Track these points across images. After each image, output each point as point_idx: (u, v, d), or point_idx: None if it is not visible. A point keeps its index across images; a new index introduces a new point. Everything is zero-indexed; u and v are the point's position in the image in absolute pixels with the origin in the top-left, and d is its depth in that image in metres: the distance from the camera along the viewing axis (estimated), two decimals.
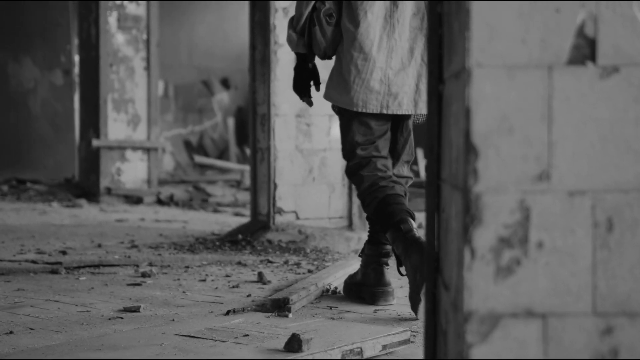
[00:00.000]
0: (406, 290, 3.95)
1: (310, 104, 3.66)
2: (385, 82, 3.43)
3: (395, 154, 3.61)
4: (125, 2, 8.03)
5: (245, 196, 8.20)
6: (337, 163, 5.43)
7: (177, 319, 3.27)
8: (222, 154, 12.72)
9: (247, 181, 9.02)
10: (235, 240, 5.23)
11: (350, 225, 5.46)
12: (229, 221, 6.70)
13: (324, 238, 5.15)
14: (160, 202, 8.10)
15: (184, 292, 3.84)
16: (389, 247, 3.57)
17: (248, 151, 11.22)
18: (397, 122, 3.57)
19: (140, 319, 3.25)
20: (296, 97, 5.30)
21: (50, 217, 6.88)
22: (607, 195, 1.54)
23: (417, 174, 9.26)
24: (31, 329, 3.07)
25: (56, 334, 3.00)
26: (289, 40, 3.56)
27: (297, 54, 3.60)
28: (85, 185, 8.32)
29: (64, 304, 3.54)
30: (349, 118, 3.53)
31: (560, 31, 1.52)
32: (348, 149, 3.57)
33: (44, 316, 3.29)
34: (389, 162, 3.54)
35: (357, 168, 3.51)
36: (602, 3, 1.51)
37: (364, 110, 3.45)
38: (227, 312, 3.34)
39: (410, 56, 3.45)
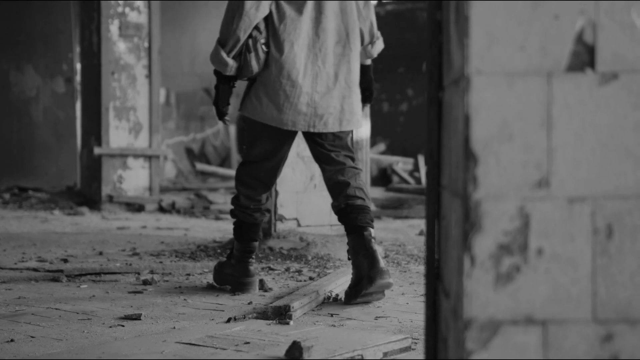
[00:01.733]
0: (407, 297, 3.95)
1: (226, 123, 4.04)
2: (312, 105, 3.80)
3: (334, 148, 3.92)
4: (127, 10, 8.05)
5: None
6: None
7: (178, 326, 3.27)
8: (224, 161, 12.72)
9: None
10: None
11: None
12: (230, 228, 6.69)
13: (325, 245, 5.14)
14: (162, 209, 8.11)
15: (185, 299, 3.84)
16: (371, 230, 3.87)
17: None
18: (329, 139, 3.91)
19: (141, 327, 3.25)
20: None
21: (51, 225, 6.88)
22: (607, 202, 1.54)
23: (418, 180, 9.25)
24: (32, 337, 3.07)
25: (57, 342, 3.00)
26: (220, 63, 3.84)
27: (219, 74, 3.90)
28: (87, 193, 8.33)
29: (65, 311, 3.54)
30: (259, 131, 3.92)
31: (559, 38, 1.53)
32: (255, 156, 3.98)
33: (44, 324, 3.29)
34: (272, 188, 4.10)
35: (245, 186, 4.00)
36: (601, 10, 1.51)
37: (293, 129, 3.84)
38: (228, 320, 3.34)
39: (335, 80, 3.83)
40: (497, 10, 1.53)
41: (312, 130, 3.83)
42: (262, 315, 3.43)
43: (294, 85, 3.79)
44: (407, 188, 8.67)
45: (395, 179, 9.31)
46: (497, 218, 1.55)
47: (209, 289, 4.11)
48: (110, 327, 3.25)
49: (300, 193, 5.39)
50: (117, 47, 8.06)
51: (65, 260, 4.89)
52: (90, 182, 8.26)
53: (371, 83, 4.08)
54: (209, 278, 4.37)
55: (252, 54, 3.79)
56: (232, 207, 4.09)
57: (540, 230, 1.54)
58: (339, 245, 5.15)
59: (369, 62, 4.05)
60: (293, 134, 3.93)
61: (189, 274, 4.52)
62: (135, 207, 8.04)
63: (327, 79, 3.82)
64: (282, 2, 3.81)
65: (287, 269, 4.66)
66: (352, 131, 3.98)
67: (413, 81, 12.43)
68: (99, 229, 6.65)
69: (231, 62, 3.81)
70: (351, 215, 3.85)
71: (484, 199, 1.54)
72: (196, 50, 12.38)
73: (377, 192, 8.52)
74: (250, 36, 3.79)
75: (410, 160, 9.82)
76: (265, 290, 4.05)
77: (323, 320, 3.41)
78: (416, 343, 3.00)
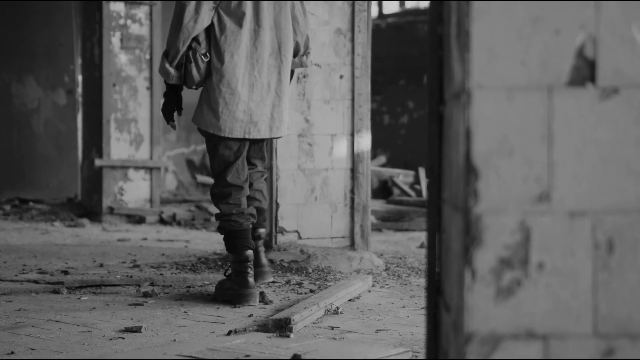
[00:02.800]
0: (408, 310, 3.94)
1: (174, 127, 4.37)
2: (247, 112, 4.12)
3: (252, 156, 4.37)
4: (128, 22, 8.07)
5: None
6: (339, 183, 5.44)
7: (178, 339, 3.26)
8: None
9: None
10: None
11: (352, 245, 5.45)
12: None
13: (326, 258, 5.14)
14: (162, 221, 8.11)
15: (185, 312, 3.84)
16: (261, 230, 4.38)
17: None
18: (255, 143, 4.33)
19: (141, 339, 3.25)
20: (298, 117, 5.33)
21: (52, 236, 6.88)
22: (608, 217, 1.54)
23: (419, 192, 9.26)
24: (32, 349, 3.07)
25: (57, 354, 2.99)
26: (164, 72, 4.14)
27: (168, 84, 4.19)
28: (87, 205, 8.33)
29: (66, 324, 3.54)
30: (215, 142, 4.19)
31: (560, 52, 1.53)
32: (216, 169, 4.23)
33: (45, 336, 3.28)
34: (246, 189, 4.25)
35: (220, 197, 4.20)
36: (601, 25, 1.52)
37: (230, 136, 4.13)
38: (229, 333, 3.33)
39: (268, 90, 4.16)
40: (497, 25, 1.54)
41: (247, 137, 4.16)
42: (263, 327, 3.43)
43: (234, 93, 4.09)
44: (408, 200, 8.67)
45: (396, 191, 9.31)
46: (497, 232, 1.55)
47: (210, 301, 4.11)
48: (111, 339, 3.25)
49: (301, 205, 5.40)
50: (119, 59, 8.07)
51: (66, 272, 4.89)
52: (91, 194, 8.27)
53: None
54: (210, 290, 4.36)
55: (192, 64, 4.08)
56: (218, 222, 4.27)
57: (541, 244, 1.54)
58: (339, 258, 5.15)
59: (297, 70, 4.39)
60: (244, 139, 4.21)
61: (189, 286, 4.51)
62: (136, 218, 8.04)
63: (262, 88, 4.14)
64: (224, 15, 4.08)
65: (288, 282, 4.66)
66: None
67: (414, 94, 12.45)
68: (99, 240, 6.65)
69: (173, 72, 4.10)
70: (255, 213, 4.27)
71: (485, 213, 1.55)
72: None
73: (378, 205, 8.52)
74: (190, 47, 4.07)
75: (411, 173, 9.83)
76: (266, 303, 4.05)
77: (324, 333, 3.41)
78: (417, 356, 3.00)
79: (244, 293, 4.05)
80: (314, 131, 5.39)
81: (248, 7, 4.11)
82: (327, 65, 5.41)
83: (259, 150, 4.41)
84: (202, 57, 4.08)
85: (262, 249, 4.49)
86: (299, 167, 5.38)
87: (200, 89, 4.22)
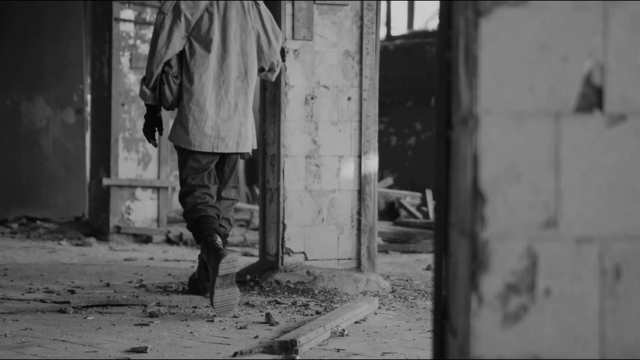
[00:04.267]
0: (414, 333, 3.93)
1: (155, 145, 4.78)
2: (215, 128, 4.55)
3: (223, 181, 4.76)
4: (137, 42, 8.11)
5: (254, 236, 8.20)
6: (346, 204, 5.44)
7: None
8: None
9: (256, 221, 9.02)
10: (244, 280, 5.22)
11: (358, 267, 5.45)
12: (239, 260, 6.70)
13: (332, 279, 5.13)
14: (169, 241, 8.11)
15: (191, 332, 3.83)
16: (218, 240, 4.47)
17: (257, 191, 11.22)
18: (224, 158, 4.71)
19: None
20: (306, 138, 5.34)
21: (59, 255, 6.88)
22: (615, 243, 1.54)
23: (426, 214, 9.25)
24: None
25: None
26: (142, 94, 4.60)
27: (147, 105, 4.64)
28: (94, 224, 8.34)
29: (72, 343, 3.54)
30: (186, 156, 4.64)
31: (568, 79, 1.54)
32: (184, 178, 4.66)
33: (51, 356, 3.28)
34: (212, 190, 4.66)
35: (184, 195, 4.62)
36: (609, 52, 1.53)
37: (199, 150, 4.56)
38: (235, 354, 3.33)
39: (235, 109, 4.59)
40: (505, 51, 1.54)
41: (215, 151, 4.58)
42: (269, 349, 3.42)
43: (202, 111, 4.53)
44: (415, 222, 8.66)
45: (403, 213, 9.30)
46: (504, 257, 1.55)
47: (216, 322, 4.10)
48: None
49: (307, 227, 5.40)
50: (128, 78, 8.11)
51: (73, 292, 4.89)
52: (99, 213, 8.28)
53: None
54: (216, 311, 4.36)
55: (165, 86, 4.54)
56: (185, 220, 4.66)
57: (548, 270, 1.54)
58: (345, 280, 5.14)
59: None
60: (212, 153, 4.63)
61: (195, 307, 4.51)
62: (143, 238, 8.04)
63: (229, 107, 4.58)
64: (194, 42, 4.56)
65: (294, 303, 4.65)
66: (241, 161, 4.76)
67: (421, 115, 12.46)
68: (106, 260, 6.65)
69: (149, 93, 4.56)
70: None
71: (492, 239, 1.55)
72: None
73: (385, 226, 8.51)
74: (163, 71, 4.54)
75: (418, 195, 9.82)
76: (272, 324, 4.05)
77: (329, 356, 3.40)
78: None
79: (204, 285, 4.63)
80: (322, 152, 5.40)
81: (215, 34, 4.56)
82: (335, 87, 5.43)
83: (230, 171, 4.76)
84: (174, 79, 4.54)
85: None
86: (306, 189, 5.39)
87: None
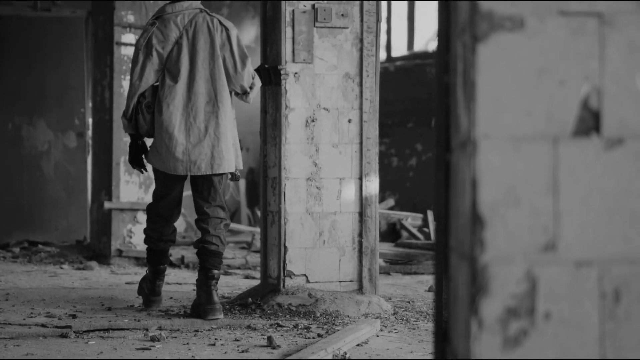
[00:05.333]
0: (416, 355, 3.93)
1: (142, 172, 5.26)
2: (186, 153, 4.87)
3: (207, 200, 5.01)
4: None
5: (255, 258, 8.19)
6: (348, 226, 5.44)
7: None
8: (233, 216, 12.74)
9: (258, 243, 9.01)
10: (245, 303, 5.22)
11: (360, 289, 5.44)
12: (239, 284, 6.69)
13: (334, 302, 5.13)
14: (171, 264, 8.10)
15: (193, 356, 3.83)
16: (215, 272, 4.94)
17: (259, 213, 11.23)
18: (202, 180, 4.98)
19: None
20: (307, 160, 5.35)
21: (61, 279, 6.88)
22: (614, 266, 1.54)
23: (427, 235, 9.24)
24: None
25: None
26: (123, 126, 5.07)
27: (130, 135, 5.08)
28: (96, 247, 8.34)
29: None
30: (161, 178, 5.03)
31: (565, 103, 1.55)
32: (156, 195, 5.12)
33: None
34: (171, 221, 5.14)
35: (149, 219, 5.15)
36: (606, 76, 1.54)
37: (174, 173, 4.91)
38: None
39: (205, 132, 4.88)
40: (503, 76, 1.56)
41: (189, 173, 4.90)
42: None
43: (171, 138, 4.86)
44: (417, 244, 8.66)
45: (404, 234, 9.30)
46: (504, 281, 1.55)
47: (217, 345, 4.10)
48: None
49: (309, 249, 5.39)
50: None
51: (74, 316, 4.88)
52: (100, 237, 8.28)
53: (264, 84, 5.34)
54: (218, 335, 4.35)
55: (140, 115, 4.94)
56: (145, 239, 5.21)
57: (548, 293, 1.54)
58: (347, 302, 5.14)
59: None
60: (179, 178, 4.99)
61: (197, 330, 4.50)
62: (145, 261, 8.04)
63: (199, 132, 4.87)
64: (166, 73, 4.92)
65: (296, 326, 4.64)
66: (225, 182, 5.02)
67: (422, 136, 12.48)
68: (107, 284, 6.65)
69: (126, 122, 5.00)
70: (204, 256, 4.95)
71: (491, 262, 1.55)
72: None
73: (386, 247, 8.50)
74: (138, 101, 4.94)
75: (420, 216, 9.81)
76: (274, 347, 4.04)
77: None
78: None
79: (151, 299, 5.18)
80: (323, 175, 5.40)
81: (184, 64, 4.88)
82: (335, 109, 5.45)
83: (213, 199, 5.01)
84: (147, 108, 4.93)
85: (215, 288, 4.93)
86: (307, 211, 5.39)
87: None
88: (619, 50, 1.52)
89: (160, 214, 5.09)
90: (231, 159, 4.95)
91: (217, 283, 4.95)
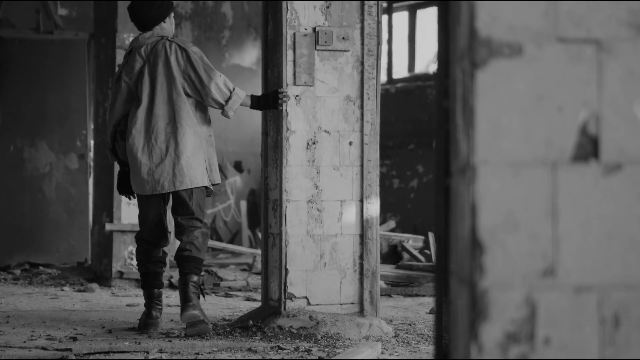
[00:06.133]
0: None
1: (129, 198, 5.56)
2: (150, 173, 5.13)
3: (181, 214, 5.21)
4: None
5: (256, 280, 8.19)
6: (349, 249, 5.44)
7: None
8: (234, 237, 12.74)
9: (259, 265, 9.01)
10: (246, 326, 5.21)
11: (361, 311, 5.43)
12: (240, 306, 6.68)
13: (335, 324, 5.12)
14: (172, 286, 8.09)
15: None
16: (192, 276, 5.10)
17: (260, 234, 11.23)
18: (173, 198, 5.22)
19: None
20: (308, 183, 5.36)
21: (61, 301, 6.87)
22: (613, 292, 1.54)
23: (428, 257, 9.23)
24: None
25: None
26: (109, 156, 5.48)
27: (119, 164, 5.40)
28: (97, 269, 8.33)
29: None
30: (138, 200, 5.34)
31: (564, 129, 1.55)
32: (140, 220, 5.38)
33: None
34: (157, 241, 5.32)
35: (137, 244, 5.38)
36: (604, 102, 1.55)
37: (142, 193, 5.20)
38: None
39: (166, 152, 5.12)
40: (502, 102, 1.57)
41: (155, 192, 5.15)
42: None
43: (135, 160, 5.14)
44: (418, 265, 8.65)
45: (405, 256, 9.29)
46: (504, 306, 1.56)
47: None
48: None
49: (310, 271, 5.39)
50: None
51: (75, 339, 4.88)
52: (101, 258, 8.28)
53: (262, 107, 5.39)
54: (219, 357, 4.34)
55: (116, 142, 5.28)
56: (137, 264, 5.42)
57: (547, 319, 1.55)
58: (348, 324, 5.13)
59: (231, 116, 5.27)
60: (152, 198, 5.23)
61: (197, 353, 4.49)
62: None
63: (160, 152, 5.12)
64: (133, 103, 5.23)
65: (297, 348, 4.63)
66: (197, 196, 5.17)
67: (423, 158, 12.49)
68: (108, 306, 6.64)
69: (109, 153, 5.43)
70: (180, 262, 5.14)
71: (491, 288, 1.56)
72: None
73: (388, 269, 8.49)
74: (116, 130, 5.27)
75: (421, 238, 9.81)
76: None
77: None
78: None
79: (147, 322, 5.22)
80: (324, 197, 5.41)
81: (145, 90, 5.15)
82: (336, 131, 5.46)
83: (186, 213, 5.21)
84: (120, 135, 5.24)
85: (192, 290, 5.08)
86: (308, 233, 5.39)
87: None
88: (617, 77, 1.53)
89: (145, 238, 5.32)
90: (196, 175, 5.15)
91: (196, 287, 5.09)
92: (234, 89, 5.18)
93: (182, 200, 5.18)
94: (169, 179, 5.12)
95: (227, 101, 5.15)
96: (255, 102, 5.33)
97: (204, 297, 5.21)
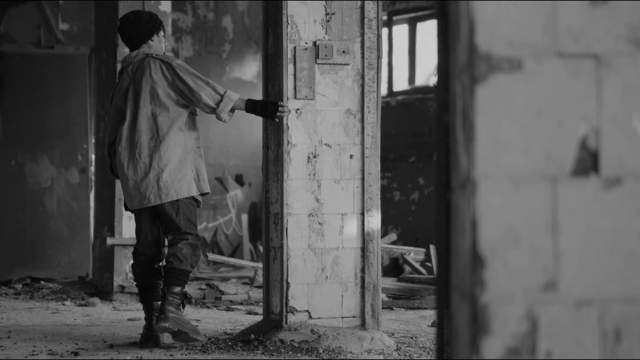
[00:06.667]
0: None
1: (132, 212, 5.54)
2: (136, 187, 5.24)
3: (169, 228, 5.30)
4: None
5: (258, 294, 8.18)
6: (350, 262, 5.44)
7: None
8: (236, 250, 12.73)
9: (260, 278, 8.99)
10: (248, 340, 5.20)
11: (363, 325, 5.42)
12: (242, 319, 6.67)
13: (336, 338, 5.11)
14: None
15: None
16: (173, 287, 5.20)
17: (261, 247, 11.23)
18: (160, 212, 5.29)
19: None
20: (309, 196, 5.36)
21: (63, 316, 6.87)
22: (615, 305, 1.54)
23: (430, 270, 9.23)
24: None
25: None
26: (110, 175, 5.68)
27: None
28: (98, 283, 8.33)
29: None
30: (134, 213, 5.41)
31: (563, 144, 1.56)
32: (136, 234, 5.47)
33: None
34: (151, 251, 5.39)
35: (133, 258, 5.45)
36: (603, 117, 1.55)
37: (131, 208, 5.34)
38: None
39: (150, 166, 5.22)
40: (502, 116, 1.57)
41: (143, 206, 5.25)
42: None
43: (123, 175, 5.27)
44: (419, 278, 8.64)
45: (407, 268, 9.28)
46: (505, 321, 1.56)
47: None
48: None
49: (311, 285, 5.39)
50: None
51: (76, 354, 4.87)
52: (103, 272, 8.27)
53: (259, 113, 5.37)
54: None
55: (112, 160, 5.43)
56: (133, 276, 5.57)
57: (549, 333, 1.55)
58: (350, 338, 5.12)
59: (226, 119, 5.28)
60: (144, 211, 5.32)
61: None
62: None
63: (144, 166, 5.22)
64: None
65: None
66: (185, 207, 5.25)
67: (424, 170, 12.50)
68: (110, 320, 6.64)
69: (109, 171, 5.57)
70: (165, 273, 5.25)
71: (492, 302, 1.56)
72: (209, 140, 12.53)
73: (389, 282, 8.49)
74: (110, 149, 5.43)
75: (422, 250, 9.80)
76: None
77: None
78: None
79: (148, 335, 5.26)
80: (325, 210, 5.41)
81: (129, 107, 5.29)
82: (337, 145, 5.47)
83: (172, 229, 5.28)
84: (113, 154, 5.39)
85: (170, 301, 5.18)
86: (309, 247, 5.39)
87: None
88: (616, 91, 1.54)
89: (140, 251, 5.40)
90: (181, 187, 5.24)
91: (177, 297, 5.19)
92: (225, 92, 5.25)
93: (169, 216, 5.26)
94: (155, 192, 5.22)
95: (218, 104, 5.22)
96: (252, 106, 5.33)
97: (183, 307, 5.26)
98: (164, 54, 5.54)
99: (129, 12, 5.58)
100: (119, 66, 8.10)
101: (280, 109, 5.31)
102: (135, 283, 5.49)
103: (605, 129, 1.55)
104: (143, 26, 5.39)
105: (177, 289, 5.20)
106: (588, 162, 1.55)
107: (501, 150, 1.57)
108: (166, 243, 5.53)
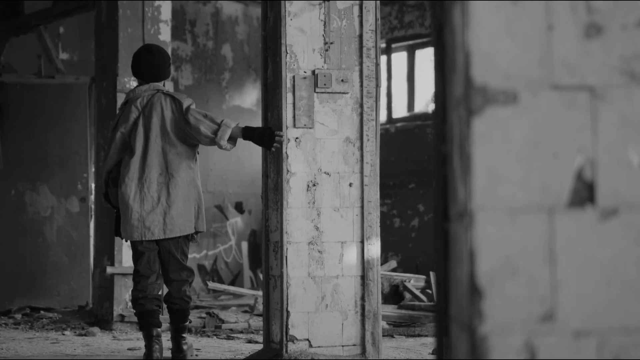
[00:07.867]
0: None
1: (125, 241, 5.60)
2: (140, 220, 5.37)
3: (169, 266, 5.52)
4: None
5: (258, 322, 8.15)
6: (350, 290, 5.43)
7: None
8: (236, 278, 12.71)
9: (260, 306, 8.97)
10: None
11: (363, 353, 5.41)
12: (242, 348, 6.65)
13: None
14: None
15: None
16: (180, 325, 5.54)
17: (261, 275, 11.21)
18: (160, 245, 5.46)
19: None
20: (308, 224, 5.37)
21: (62, 346, 6.84)
22: (613, 336, 1.55)
23: (430, 297, 9.21)
24: None
25: None
26: (101, 201, 5.91)
27: (114, 209, 5.62)
28: (98, 313, 8.31)
29: None
30: (132, 243, 5.50)
31: (560, 175, 1.57)
32: (133, 262, 5.54)
33: None
34: (152, 278, 5.50)
35: (134, 284, 5.52)
36: (599, 148, 1.56)
37: (130, 239, 5.44)
38: None
39: (158, 201, 5.37)
40: (498, 149, 1.58)
41: (143, 239, 5.38)
42: None
43: (127, 207, 5.36)
44: (420, 305, 8.62)
45: (407, 295, 9.26)
46: (503, 352, 1.56)
47: None
48: None
49: (311, 313, 5.38)
50: None
51: None
52: (102, 302, 8.25)
53: (256, 141, 5.42)
54: None
55: (109, 189, 5.51)
56: (132, 304, 5.57)
57: None
58: None
59: (227, 146, 5.39)
60: (144, 242, 5.40)
61: None
62: None
63: (152, 201, 5.36)
64: (128, 151, 5.46)
65: None
66: (183, 243, 5.46)
67: (424, 197, 12.50)
68: (110, 350, 6.61)
69: (102, 198, 5.68)
70: (170, 313, 5.54)
71: (490, 333, 1.56)
72: (209, 168, 12.56)
73: (389, 309, 8.46)
74: (108, 176, 5.51)
75: (423, 277, 9.79)
76: None
77: None
78: None
79: None
80: (324, 239, 5.41)
81: (139, 141, 5.40)
82: (336, 173, 5.48)
83: (174, 264, 5.48)
84: (112, 182, 5.49)
85: (182, 338, 5.60)
86: (309, 275, 5.39)
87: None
88: (611, 123, 1.55)
89: (141, 272, 5.50)
90: (183, 223, 5.44)
91: (185, 330, 5.61)
92: (222, 121, 5.37)
93: (169, 250, 5.47)
94: (159, 227, 5.38)
95: (216, 132, 5.34)
96: (250, 133, 5.41)
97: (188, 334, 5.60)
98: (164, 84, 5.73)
99: (151, 45, 5.68)
100: (119, 95, 8.13)
101: (277, 137, 5.34)
102: (134, 311, 5.58)
103: (601, 160, 1.56)
104: (167, 65, 5.62)
105: (186, 323, 5.61)
106: (584, 193, 1.56)
107: (498, 181, 1.58)
108: (164, 272, 5.62)
